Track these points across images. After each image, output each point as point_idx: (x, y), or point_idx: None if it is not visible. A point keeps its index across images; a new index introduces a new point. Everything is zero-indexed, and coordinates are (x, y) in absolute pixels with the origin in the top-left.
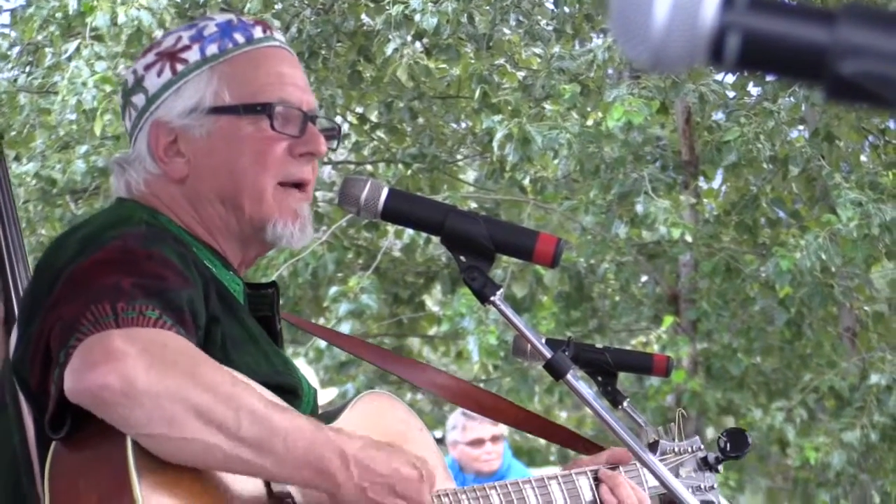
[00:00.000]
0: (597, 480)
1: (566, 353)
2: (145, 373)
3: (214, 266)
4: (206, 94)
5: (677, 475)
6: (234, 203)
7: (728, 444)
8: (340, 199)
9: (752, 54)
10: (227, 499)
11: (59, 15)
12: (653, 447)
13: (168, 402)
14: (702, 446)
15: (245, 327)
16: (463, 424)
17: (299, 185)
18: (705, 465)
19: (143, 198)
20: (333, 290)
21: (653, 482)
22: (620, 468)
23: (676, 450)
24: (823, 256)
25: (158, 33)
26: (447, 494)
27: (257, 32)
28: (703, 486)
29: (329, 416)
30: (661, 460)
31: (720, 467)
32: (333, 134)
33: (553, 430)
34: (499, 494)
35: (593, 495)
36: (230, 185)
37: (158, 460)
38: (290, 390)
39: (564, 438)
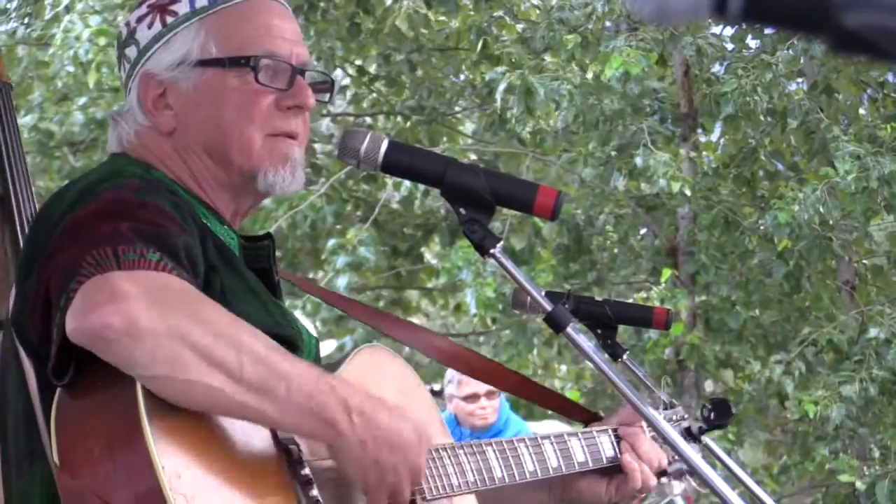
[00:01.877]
0: (618, 438)
1: (566, 306)
2: (147, 312)
3: (208, 220)
4: (193, 47)
5: (661, 443)
6: (221, 156)
7: (712, 414)
8: (340, 152)
9: (757, 7)
10: (235, 446)
11: None
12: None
13: (170, 342)
14: (685, 416)
15: (243, 279)
16: (458, 379)
17: (289, 137)
18: (689, 435)
19: (135, 151)
20: (332, 242)
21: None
22: (642, 424)
23: (664, 417)
24: (822, 209)
25: None
26: (445, 449)
27: None
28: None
29: (328, 369)
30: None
31: (703, 437)
32: (326, 87)
33: (546, 396)
34: (495, 451)
35: (585, 457)
36: (217, 137)
37: (168, 406)
38: (290, 341)
39: (557, 405)
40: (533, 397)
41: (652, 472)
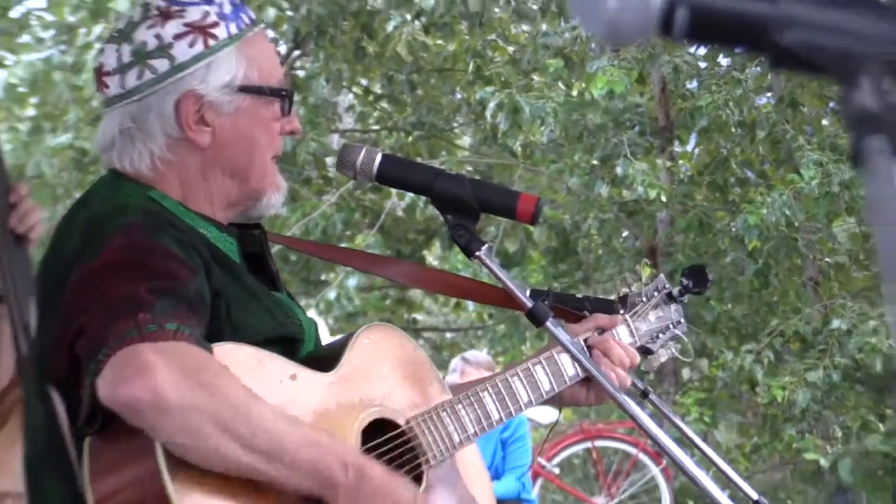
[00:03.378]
0: (589, 347)
1: (546, 303)
2: (172, 386)
3: (209, 231)
4: (238, 73)
5: (647, 320)
6: (242, 175)
7: (690, 282)
8: (338, 165)
9: (700, 26)
10: (253, 488)
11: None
12: (623, 301)
13: (193, 415)
14: (667, 284)
15: (245, 287)
16: (461, 369)
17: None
18: (671, 299)
19: (140, 174)
20: (342, 246)
21: (628, 340)
22: (614, 331)
23: (644, 297)
24: (788, 212)
25: None
26: (444, 409)
27: (250, 13)
28: (671, 323)
29: (333, 353)
30: (631, 312)
31: (685, 299)
32: None
33: (497, 295)
34: (490, 394)
35: (575, 369)
36: (245, 158)
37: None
38: (293, 338)
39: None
40: (487, 299)
41: (625, 372)
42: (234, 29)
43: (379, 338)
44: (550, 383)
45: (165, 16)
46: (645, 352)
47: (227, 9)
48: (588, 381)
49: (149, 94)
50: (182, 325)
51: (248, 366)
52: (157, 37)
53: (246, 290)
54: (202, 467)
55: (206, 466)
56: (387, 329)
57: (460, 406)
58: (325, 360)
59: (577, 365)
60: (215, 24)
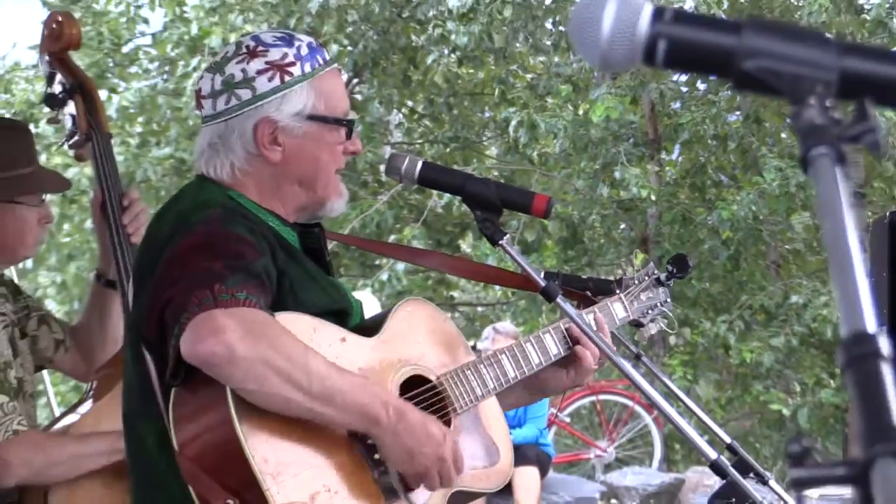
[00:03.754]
0: (569, 332)
1: (556, 283)
2: (241, 343)
3: (276, 224)
4: (307, 104)
5: (639, 299)
6: (310, 185)
7: (674, 268)
8: (387, 170)
9: (677, 56)
10: (311, 431)
11: (186, 37)
12: (619, 283)
13: (259, 366)
14: (656, 270)
15: (305, 269)
16: (493, 337)
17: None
18: (659, 283)
19: (221, 179)
20: (392, 237)
21: (622, 314)
22: (610, 306)
23: (637, 280)
24: (754, 208)
25: None
26: (468, 367)
27: (326, 54)
28: (659, 302)
29: (376, 323)
30: (626, 292)
31: (671, 283)
32: None
33: (515, 278)
34: (507, 357)
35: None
36: (311, 173)
37: (251, 404)
38: (343, 312)
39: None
40: (506, 282)
41: (596, 356)
42: (308, 68)
43: (415, 310)
44: (557, 347)
45: (252, 54)
46: (637, 324)
47: (305, 51)
48: (567, 364)
49: (233, 117)
50: (250, 295)
51: (305, 330)
52: (243, 71)
53: (306, 272)
54: (267, 410)
55: (271, 409)
56: (421, 303)
57: (482, 366)
58: (369, 328)
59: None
60: (292, 64)
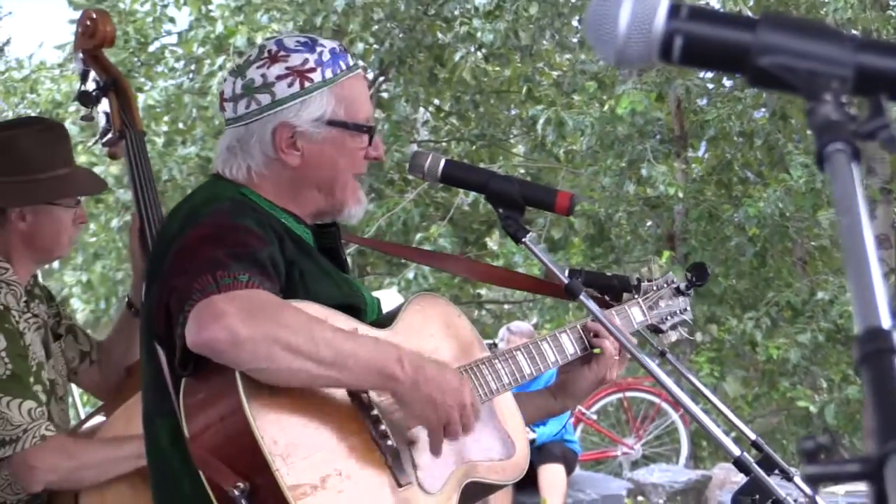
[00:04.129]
0: (585, 330)
1: (579, 280)
2: (243, 324)
3: (289, 222)
4: (327, 110)
5: (658, 306)
6: (328, 190)
7: (693, 277)
8: (410, 168)
9: (693, 52)
10: (318, 408)
11: (211, 36)
12: (637, 287)
13: (264, 344)
14: (674, 279)
15: (317, 264)
16: (507, 338)
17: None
18: (678, 292)
19: (236, 179)
20: (419, 235)
21: (640, 318)
22: (627, 310)
23: (655, 287)
24: (780, 205)
25: None
26: (484, 363)
27: (349, 60)
28: (678, 311)
29: (390, 317)
30: (644, 297)
31: (691, 292)
32: None
33: (540, 284)
34: (523, 354)
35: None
36: (330, 177)
37: (262, 387)
38: (355, 307)
39: (543, 288)
40: (524, 286)
41: (617, 347)
42: (329, 73)
43: (428, 304)
44: (574, 347)
45: (273, 59)
46: (656, 330)
47: (326, 56)
48: (588, 362)
49: (253, 121)
50: (252, 277)
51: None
52: (263, 76)
53: (318, 267)
54: (282, 386)
55: (285, 384)
56: (435, 298)
57: (497, 361)
58: (382, 323)
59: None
60: (312, 70)
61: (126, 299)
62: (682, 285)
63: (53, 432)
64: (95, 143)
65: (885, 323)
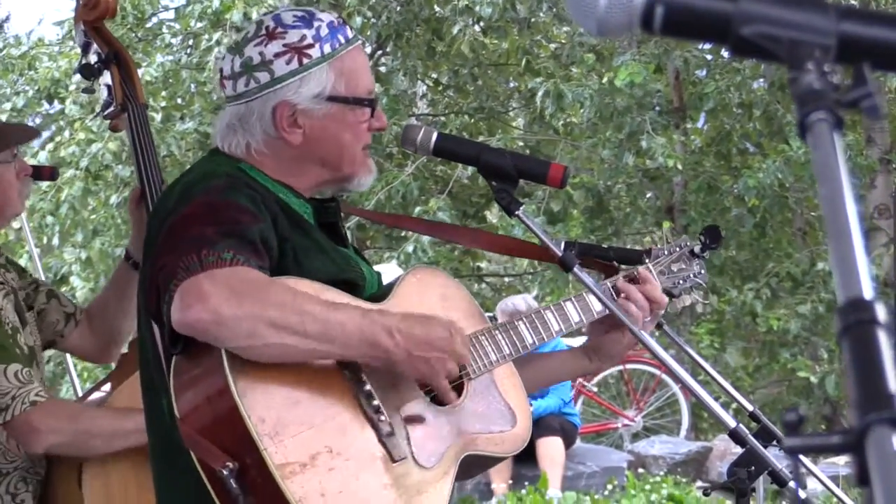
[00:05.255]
0: (616, 290)
1: (573, 252)
2: (227, 303)
3: (287, 197)
4: (327, 86)
5: (670, 270)
6: (334, 165)
7: (707, 239)
8: (402, 141)
9: (674, 22)
10: (309, 381)
11: (208, 11)
12: (648, 253)
13: (247, 321)
14: (688, 242)
15: (312, 239)
16: (503, 309)
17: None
18: (693, 255)
19: (234, 154)
20: (418, 209)
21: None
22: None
23: (666, 251)
24: (780, 176)
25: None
26: (483, 334)
27: (349, 32)
28: (692, 273)
29: (385, 291)
30: (654, 261)
31: (706, 254)
32: None
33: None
34: (525, 323)
35: (602, 306)
36: (335, 152)
37: (248, 365)
38: (352, 282)
39: (541, 255)
40: (526, 254)
41: (646, 311)
42: (328, 48)
43: (425, 277)
44: (579, 315)
45: (270, 36)
46: (668, 294)
47: (324, 31)
48: (619, 326)
49: (252, 99)
50: (237, 255)
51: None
52: (261, 54)
53: (313, 242)
54: (269, 361)
55: (272, 360)
56: (432, 270)
57: (497, 332)
58: (378, 297)
59: (600, 304)
60: (310, 46)
61: (124, 251)
62: (697, 248)
63: (45, 398)
64: (96, 115)
65: (867, 294)
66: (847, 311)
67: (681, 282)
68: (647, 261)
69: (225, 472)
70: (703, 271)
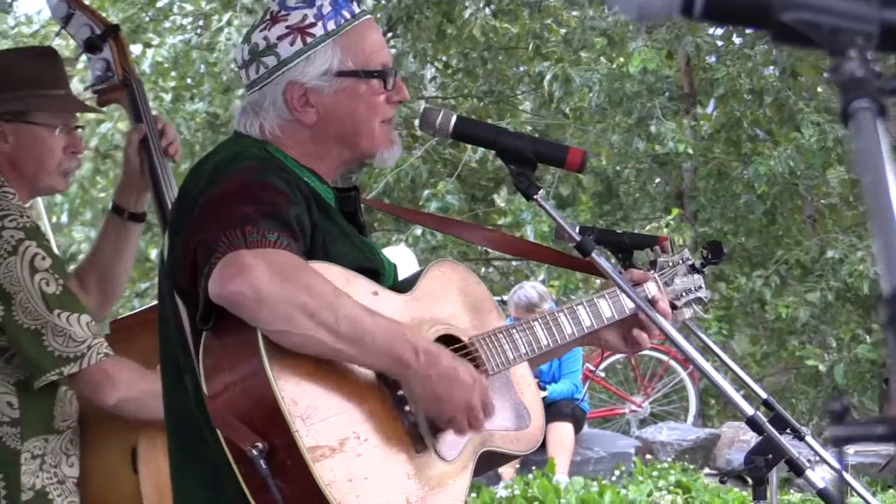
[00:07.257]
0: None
1: (591, 237)
2: (268, 283)
3: (312, 182)
4: (333, 62)
5: (673, 282)
6: (351, 142)
7: (709, 254)
8: (420, 124)
9: (715, 7)
10: (341, 369)
11: None
12: (653, 264)
13: (286, 306)
14: (689, 257)
15: (338, 226)
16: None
17: (390, 122)
18: (693, 269)
19: (259, 135)
20: (427, 192)
21: (655, 294)
22: (645, 287)
23: (671, 263)
24: (791, 163)
25: None
26: (501, 332)
27: (355, 8)
28: (692, 287)
29: (409, 282)
30: (659, 273)
31: (706, 270)
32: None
33: (569, 261)
34: (540, 325)
35: (611, 312)
36: (351, 128)
37: (282, 347)
38: (375, 271)
39: (577, 266)
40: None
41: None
42: (332, 25)
43: (447, 271)
44: (590, 320)
45: (273, 20)
46: (671, 307)
47: (327, 9)
48: (624, 328)
49: (264, 85)
50: (281, 237)
51: (337, 280)
52: (265, 39)
53: (339, 229)
54: (297, 351)
55: (300, 350)
56: (454, 264)
57: (514, 331)
58: (402, 287)
59: (613, 308)
60: (312, 25)
61: (111, 206)
62: (698, 263)
63: (112, 354)
64: (87, 88)
65: None
66: (894, 301)
67: (682, 294)
68: (652, 272)
69: (255, 452)
70: (702, 286)
